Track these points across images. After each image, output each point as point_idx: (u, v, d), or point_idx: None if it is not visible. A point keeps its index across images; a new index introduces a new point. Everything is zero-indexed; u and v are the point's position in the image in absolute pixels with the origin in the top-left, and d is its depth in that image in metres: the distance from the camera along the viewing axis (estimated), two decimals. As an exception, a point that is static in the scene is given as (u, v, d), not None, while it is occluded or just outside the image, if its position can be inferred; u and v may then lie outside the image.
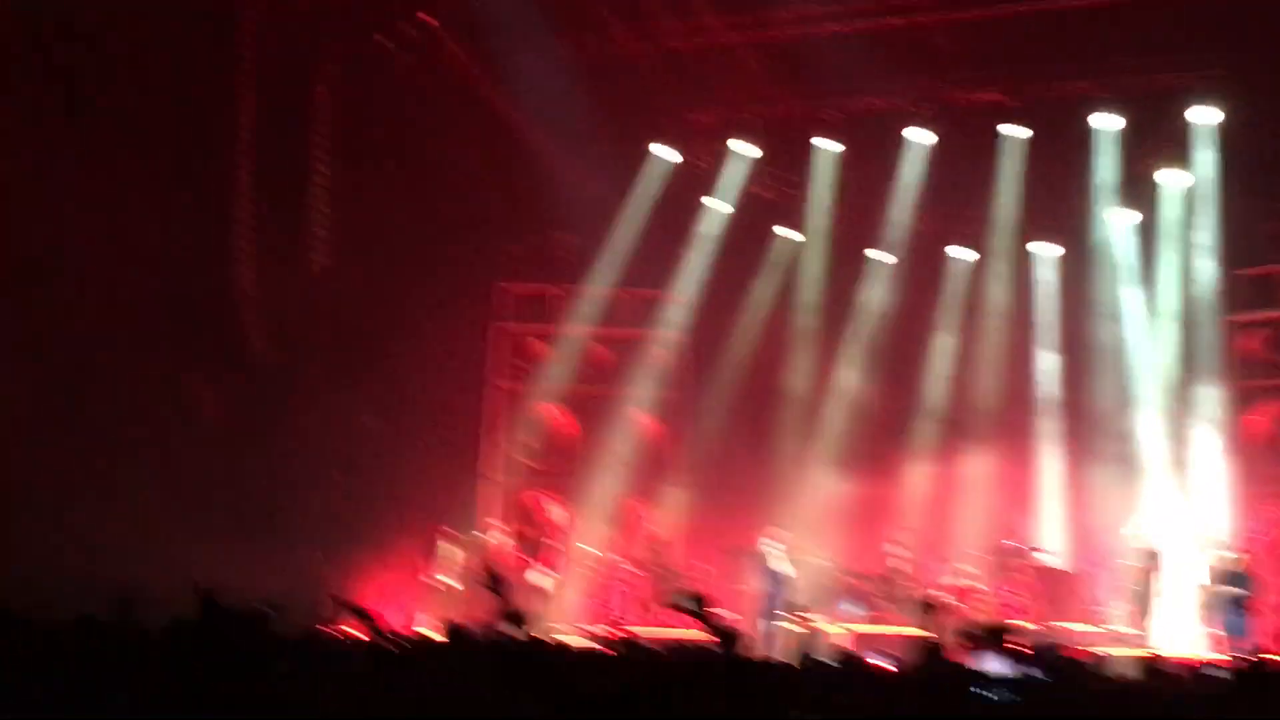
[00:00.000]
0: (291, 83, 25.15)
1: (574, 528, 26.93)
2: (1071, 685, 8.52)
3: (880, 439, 27.72)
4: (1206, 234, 25.42)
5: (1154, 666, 13.41)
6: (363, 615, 9.98)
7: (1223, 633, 20.68)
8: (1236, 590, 20.68)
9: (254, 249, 24.64)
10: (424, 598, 24.94)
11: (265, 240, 24.82)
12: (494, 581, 8.98)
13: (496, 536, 25.86)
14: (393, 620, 15.40)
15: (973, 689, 7.58)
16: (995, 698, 7.52)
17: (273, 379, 24.96)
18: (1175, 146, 25.55)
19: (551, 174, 26.39)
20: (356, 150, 25.87)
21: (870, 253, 28.05)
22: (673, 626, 23.37)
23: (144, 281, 22.46)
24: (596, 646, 12.72)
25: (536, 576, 24.55)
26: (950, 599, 23.93)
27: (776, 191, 28.63)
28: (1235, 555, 21.07)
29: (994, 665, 8.31)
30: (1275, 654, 18.27)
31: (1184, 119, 25.01)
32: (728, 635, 8.37)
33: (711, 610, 8.38)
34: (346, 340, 25.89)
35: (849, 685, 9.07)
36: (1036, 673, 9.27)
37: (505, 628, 9.63)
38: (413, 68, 25.74)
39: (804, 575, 24.82)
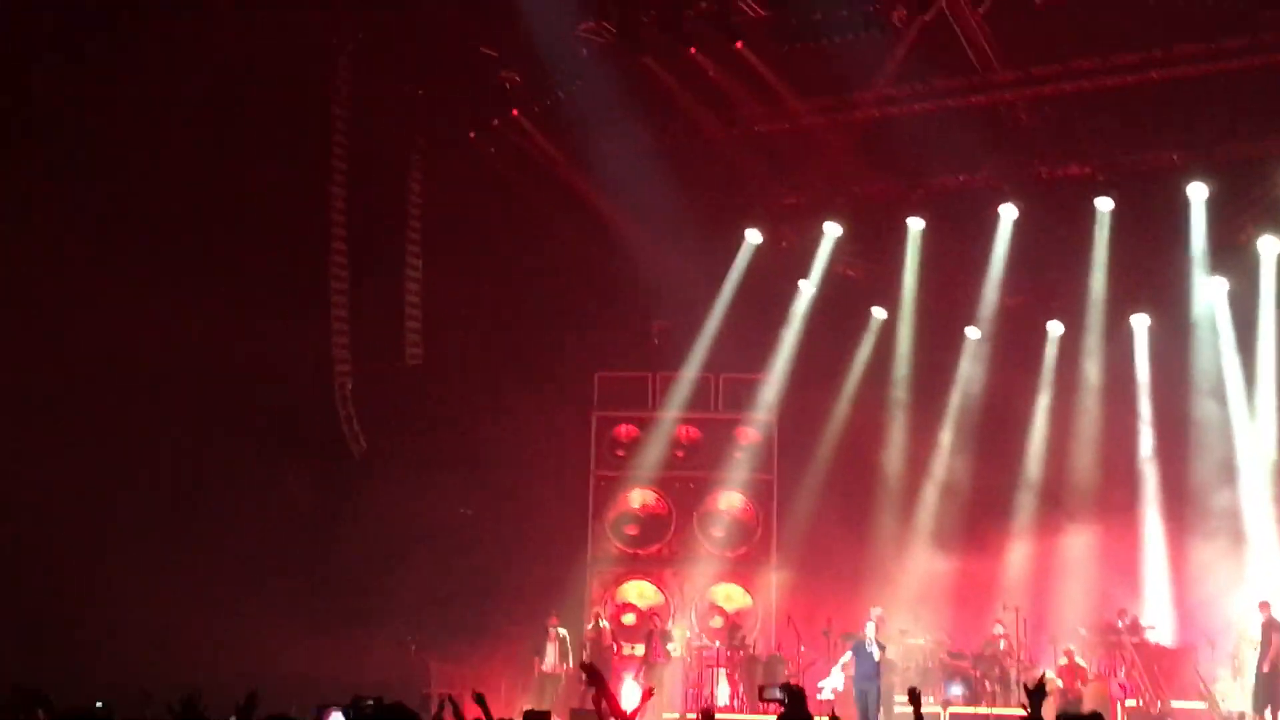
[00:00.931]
0: (385, 179, 25.71)
1: (672, 614, 26.96)
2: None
3: (979, 516, 27.50)
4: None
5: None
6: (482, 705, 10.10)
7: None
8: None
9: (350, 343, 25.10)
10: (530, 687, 25.01)
11: (362, 334, 25.29)
12: (592, 677, 9.10)
13: (602, 624, 25.90)
14: (499, 711, 15.48)
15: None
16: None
17: (371, 472, 25.32)
18: (1270, 213, 25.33)
19: (645, 262, 26.65)
20: (451, 245, 26.34)
21: (966, 330, 27.97)
22: (763, 713, 23.32)
23: (245, 382, 22.98)
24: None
25: (650, 665, 24.63)
26: (1055, 679, 23.66)
27: (866, 270, 28.67)
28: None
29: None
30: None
31: (1276, 186, 24.78)
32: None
33: (802, 701, 8.42)
34: (444, 431, 26.22)
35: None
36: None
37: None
38: (505, 161, 26.17)
39: (905, 656, 24.65)
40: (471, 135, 25.94)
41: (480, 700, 11.00)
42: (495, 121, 25.55)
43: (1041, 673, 22.89)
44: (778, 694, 8.33)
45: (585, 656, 25.08)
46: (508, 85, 24.61)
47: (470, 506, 26.54)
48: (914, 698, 11.25)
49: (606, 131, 24.83)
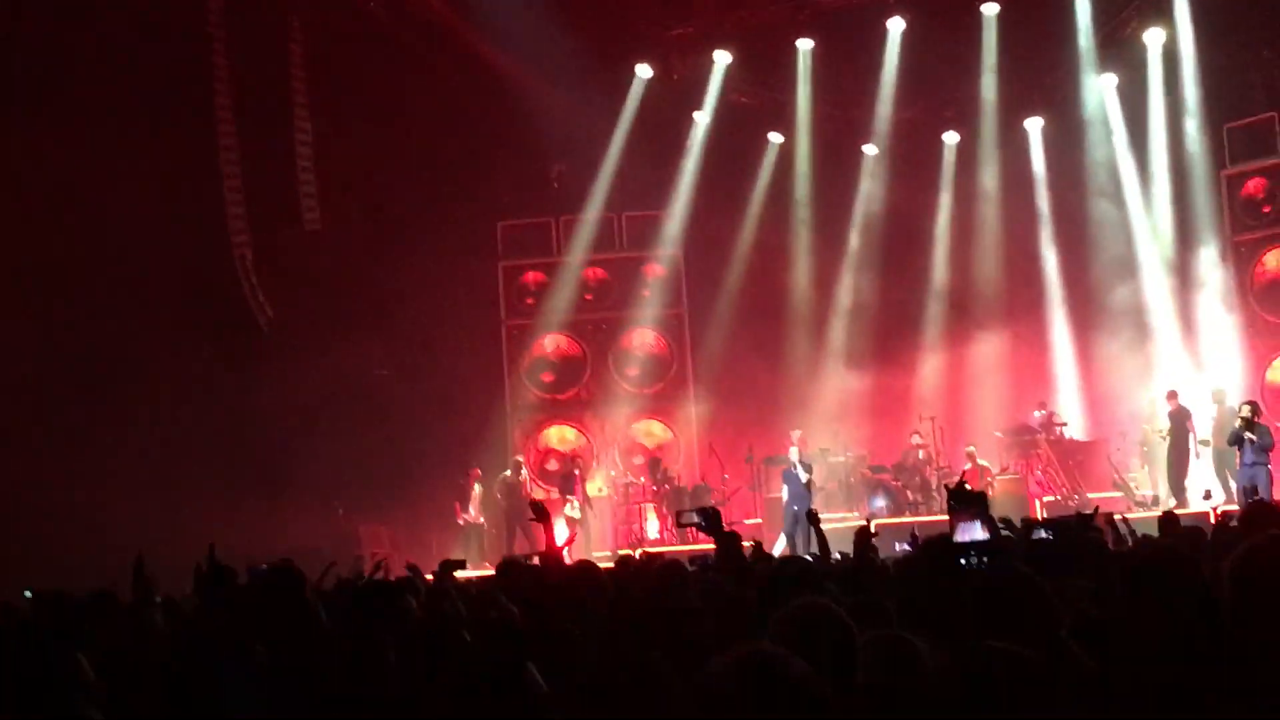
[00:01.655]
0: (267, 40, 25.20)
1: (593, 455, 27.16)
2: (1086, 548, 8.67)
3: (889, 330, 27.80)
4: (1192, 90, 25.32)
5: (1169, 523, 13.62)
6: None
7: (1241, 482, 20.80)
8: (1253, 444, 20.74)
9: (246, 214, 24.78)
10: (456, 538, 25.19)
11: (258, 204, 24.97)
12: (539, 513, 9.14)
13: (523, 472, 26.05)
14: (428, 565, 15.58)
15: (959, 559, 7.72)
16: (979, 563, 7.66)
17: (281, 339, 25.17)
18: (1153, 4, 25.46)
19: (538, 106, 26.37)
20: (338, 106, 25.95)
21: (863, 147, 28.06)
22: (695, 542, 23.65)
23: (144, 260, 22.67)
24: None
25: (569, 508, 24.77)
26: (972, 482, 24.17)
27: (759, 96, 28.56)
28: (1248, 410, 21.14)
29: (974, 532, 8.48)
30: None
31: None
32: (730, 545, 8.53)
33: (718, 522, 8.51)
34: (350, 293, 26.05)
35: (858, 575, 9.26)
36: (1043, 533, 9.47)
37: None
38: (386, 13, 25.72)
39: (827, 474, 25.04)
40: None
41: (413, 569, 11.09)
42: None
43: (958, 478, 23.42)
44: (694, 518, 8.40)
45: (504, 503, 25.30)
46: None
47: (385, 367, 26.46)
48: (812, 519, 11.50)
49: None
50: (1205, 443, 23.19)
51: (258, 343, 25.12)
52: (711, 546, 8.60)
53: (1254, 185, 25.59)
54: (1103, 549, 8.96)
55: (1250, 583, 4.67)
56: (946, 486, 10.24)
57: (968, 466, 24.23)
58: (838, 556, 11.26)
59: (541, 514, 9.15)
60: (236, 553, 8.99)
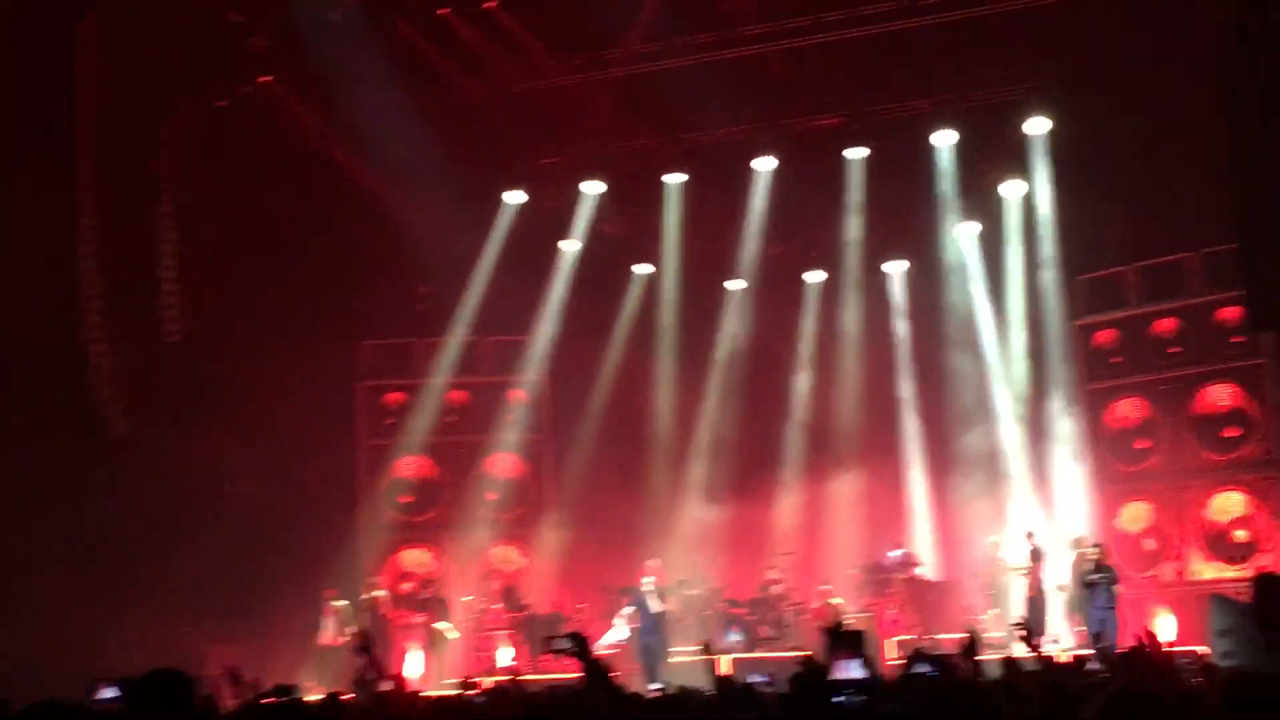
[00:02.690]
0: (134, 151, 24.95)
1: (450, 578, 26.82)
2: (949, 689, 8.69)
3: (750, 465, 28.01)
4: (1048, 241, 26.01)
5: (1010, 664, 13.72)
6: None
7: (1091, 628, 21.09)
8: (1101, 587, 21.11)
9: (105, 320, 24.34)
10: (309, 661, 24.66)
11: (118, 311, 24.55)
12: (366, 646, 9.04)
13: (379, 594, 25.60)
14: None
15: (834, 697, 7.74)
16: (853, 701, 7.69)
17: (136, 448, 24.66)
18: (1013, 158, 26.19)
19: (407, 227, 26.39)
20: (205, 216, 25.71)
21: (728, 283, 28.43)
22: (553, 670, 23.41)
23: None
24: (466, 694, 12.77)
25: (431, 632, 24.50)
26: (829, 620, 24.25)
27: (628, 227, 28.84)
28: (1097, 552, 21.52)
29: (852, 670, 8.49)
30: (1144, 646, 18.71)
31: (1019, 131, 25.64)
32: (602, 672, 8.45)
33: (587, 646, 8.43)
34: (210, 406, 25.61)
35: (727, 708, 9.21)
36: (924, 667, 9.47)
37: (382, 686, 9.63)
38: (258, 129, 25.62)
39: (684, 607, 24.97)
40: (221, 103, 25.36)
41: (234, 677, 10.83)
42: (245, 89, 25.02)
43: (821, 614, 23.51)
44: (565, 644, 8.31)
45: (361, 627, 24.87)
46: (255, 51, 24.08)
47: (241, 482, 26.00)
48: (707, 649, 11.44)
49: (363, 96, 24.46)
50: (1062, 588, 23.51)
51: (110, 451, 24.57)
52: (570, 676, 8.52)
53: (1104, 336, 26.25)
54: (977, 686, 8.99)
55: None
56: (824, 628, 10.29)
57: (816, 605, 24.39)
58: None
59: (363, 645, 9.10)
60: (77, 669, 8.73)
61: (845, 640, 9.00)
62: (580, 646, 8.22)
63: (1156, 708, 5.03)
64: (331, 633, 25.04)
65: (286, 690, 10.32)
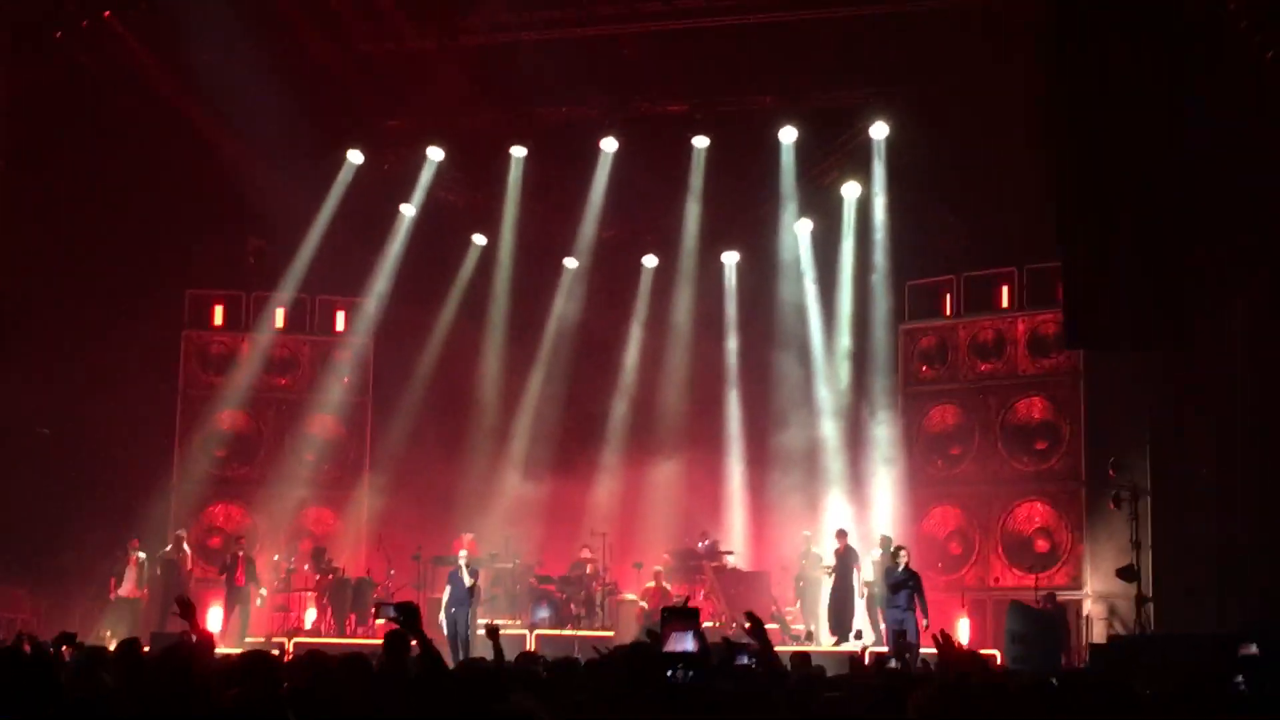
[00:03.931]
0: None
1: (260, 536, 26.50)
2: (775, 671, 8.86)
3: (571, 443, 28.17)
4: (881, 245, 26.46)
5: (804, 659, 14.06)
6: None
7: (896, 628, 21.53)
8: (903, 586, 21.56)
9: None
10: (109, 612, 24.24)
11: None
12: (184, 609, 8.96)
13: (185, 548, 25.19)
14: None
15: (668, 671, 7.86)
16: (685, 676, 7.82)
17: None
18: (854, 159, 26.59)
19: (244, 179, 25.98)
20: (34, 154, 24.99)
21: (564, 260, 28.47)
22: (361, 636, 23.30)
23: None
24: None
25: (235, 589, 24.21)
26: (637, 600, 24.51)
27: (469, 197, 28.73)
28: (903, 553, 21.96)
29: (686, 643, 8.65)
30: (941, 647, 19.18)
31: (861, 134, 26.04)
32: (427, 647, 8.46)
33: (417, 618, 8.42)
34: (20, 347, 24.96)
35: (538, 681, 9.28)
36: (746, 659, 9.64)
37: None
38: (95, 66, 25.00)
39: (495, 581, 24.97)
40: (57, 35, 24.68)
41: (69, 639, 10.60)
42: (84, 23, 24.40)
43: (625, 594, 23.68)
44: (391, 612, 8.28)
45: (162, 580, 24.50)
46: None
47: (48, 425, 25.40)
48: (492, 633, 11.50)
49: (209, 42, 23.96)
50: (869, 584, 23.98)
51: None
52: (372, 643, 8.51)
53: (927, 342, 26.78)
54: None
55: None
56: (665, 608, 10.51)
57: (650, 585, 24.55)
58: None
59: (186, 609, 9.04)
60: None
61: (680, 615, 9.15)
62: (410, 618, 8.20)
63: (983, 699, 5.27)
64: (132, 584, 24.64)
65: (69, 639, 10.14)
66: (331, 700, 6.72)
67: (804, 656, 14.76)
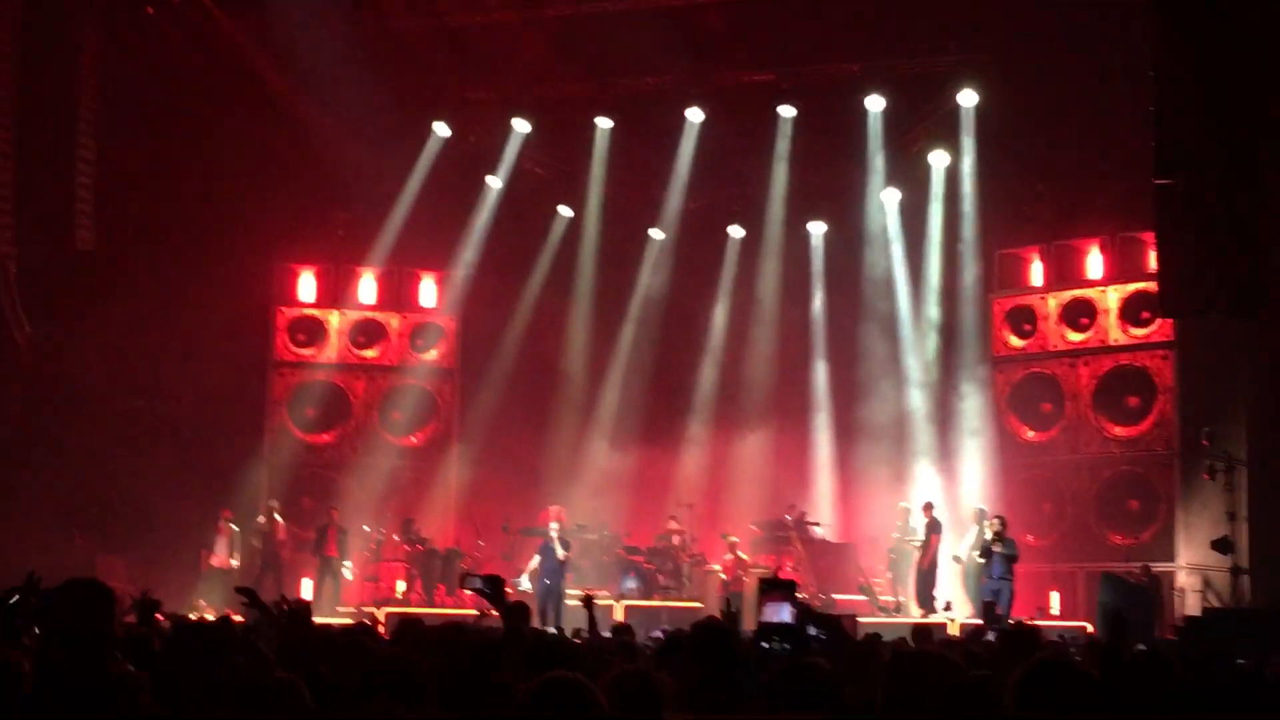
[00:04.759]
0: (59, 55, 24.50)
1: (350, 506, 26.69)
2: (842, 648, 8.81)
3: (658, 414, 28.15)
4: (969, 214, 26.22)
5: (922, 633, 13.97)
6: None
7: (988, 599, 21.40)
8: (997, 557, 21.40)
9: (15, 224, 23.91)
10: (205, 580, 24.58)
11: (29, 215, 24.14)
12: (248, 597, 9.08)
13: (278, 519, 25.46)
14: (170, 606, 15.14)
15: (762, 642, 7.84)
16: (781, 648, 7.80)
17: (36, 355, 24.37)
18: (941, 127, 26.34)
19: (331, 152, 26.17)
20: (125, 127, 25.32)
21: (650, 231, 28.45)
22: (450, 606, 23.44)
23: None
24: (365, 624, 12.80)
25: (326, 559, 24.53)
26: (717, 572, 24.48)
27: (553, 169, 28.76)
28: (998, 524, 21.79)
29: (783, 614, 8.61)
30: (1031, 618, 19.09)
31: (950, 101, 25.78)
32: (516, 613, 8.51)
33: (502, 590, 8.47)
34: (117, 316, 25.32)
35: (624, 655, 9.32)
36: (815, 630, 9.62)
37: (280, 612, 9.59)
38: (186, 41, 25.24)
39: (583, 552, 25.06)
40: (150, 11, 24.96)
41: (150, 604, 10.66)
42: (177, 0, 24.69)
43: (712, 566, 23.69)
44: (478, 583, 8.33)
45: (257, 550, 24.84)
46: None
47: (143, 397, 25.76)
48: (586, 602, 11.50)
49: (294, 16, 24.16)
50: (958, 559, 23.86)
51: (13, 354, 24.24)
52: (467, 613, 8.54)
53: (1017, 311, 26.52)
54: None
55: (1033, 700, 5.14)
56: (762, 579, 10.49)
57: (728, 557, 24.52)
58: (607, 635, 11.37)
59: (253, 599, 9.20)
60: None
61: (779, 586, 9.11)
62: (496, 590, 8.24)
63: (1079, 680, 5.29)
64: (224, 554, 24.98)
65: (152, 605, 10.25)
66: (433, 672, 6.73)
67: (924, 630, 14.63)
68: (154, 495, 24.93)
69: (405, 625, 9.05)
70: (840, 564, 25.29)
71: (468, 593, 14.45)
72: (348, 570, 24.88)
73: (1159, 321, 24.22)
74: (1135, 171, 20.04)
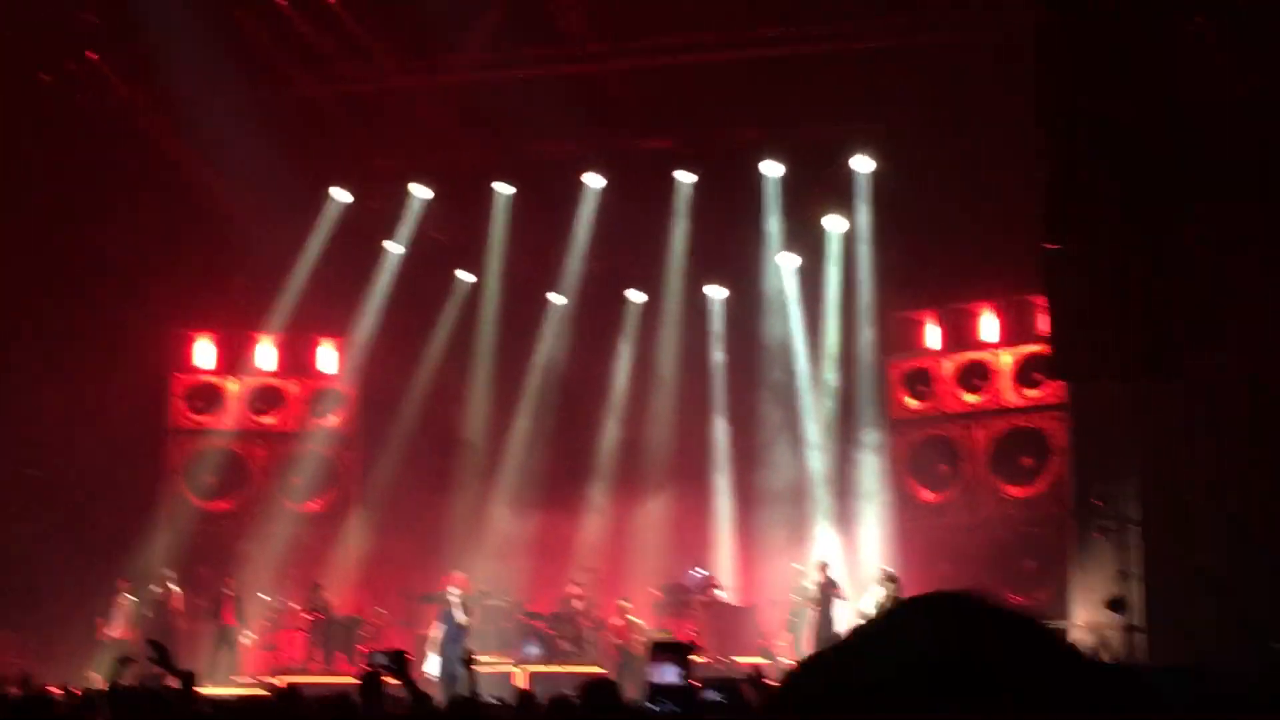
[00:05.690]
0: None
1: (253, 573, 26.40)
2: (740, 711, 8.87)
3: (560, 479, 28.10)
4: (865, 279, 26.56)
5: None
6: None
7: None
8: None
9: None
10: (98, 653, 24.16)
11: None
12: (157, 651, 9.00)
13: (173, 588, 25.11)
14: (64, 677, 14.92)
15: (648, 703, 7.88)
16: (670, 710, 7.84)
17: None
18: (837, 193, 26.69)
19: (231, 218, 26.06)
20: (20, 193, 25.04)
21: (550, 296, 28.53)
22: (342, 675, 23.20)
23: None
24: (258, 695, 12.66)
25: (223, 629, 24.21)
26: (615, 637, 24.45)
27: (454, 235, 28.79)
28: (893, 587, 21.97)
29: (670, 676, 8.66)
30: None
31: (846, 168, 26.16)
32: (418, 695, 8.49)
33: (406, 665, 8.47)
34: (11, 389, 24.97)
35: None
36: (713, 694, 9.66)
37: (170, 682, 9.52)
38: (80, 108, 25.05)
39: (485, 617, 24.95)
40: (43, 77, 24.75)
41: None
42: (70, 63, 24.47)
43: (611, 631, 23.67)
44: (383, 660, 8.33)
45: (152, 620, 24.47)
46: (83, 27, 23.54)
47: (36, 466, 25.37)
48: (466, 662, 11.49)
49: (194, 81, 24.04)
50: (862, 616, 23.99)
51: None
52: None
53: (913, 374, 26.81)
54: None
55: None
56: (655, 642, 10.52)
57: (618, 621, 24.50)
58: (493, 700, 11.31)
59: (160, 654, 9.08)
60: None
61: (668, 648, 9.18)
62: (398, 664, 8.24)
63: None
64: (120, 624, 24.60)
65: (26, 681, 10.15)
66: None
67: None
68: (47, 566, 24.52)
69: (284, 696, 9.01)
70: (741, 627, 25.38)
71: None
72: (246, 637, 24.58)
73: (1052, 383, 24.59)
74: (1028, 234, 20.41)
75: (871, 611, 23.45)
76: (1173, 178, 18.69)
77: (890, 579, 22.70)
